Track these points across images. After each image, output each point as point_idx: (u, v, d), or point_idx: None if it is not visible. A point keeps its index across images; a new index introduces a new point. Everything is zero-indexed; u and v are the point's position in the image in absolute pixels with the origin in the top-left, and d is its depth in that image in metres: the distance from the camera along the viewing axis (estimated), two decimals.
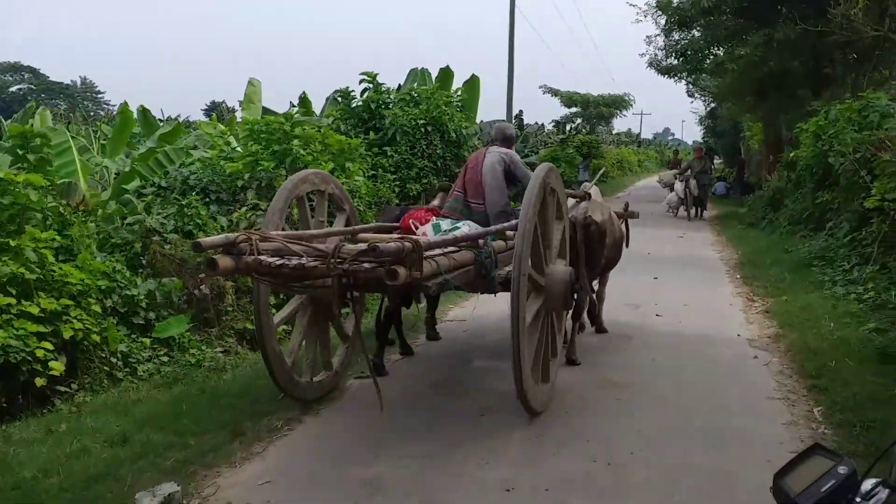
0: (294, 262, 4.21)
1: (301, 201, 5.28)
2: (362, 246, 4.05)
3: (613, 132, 56.78)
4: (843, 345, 6.40)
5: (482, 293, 5.58)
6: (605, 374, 5.99)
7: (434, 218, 5.45)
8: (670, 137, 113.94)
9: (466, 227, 5.30)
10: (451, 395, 5.42)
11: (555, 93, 45.04)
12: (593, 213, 6.27)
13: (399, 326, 6.48)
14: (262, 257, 4.29)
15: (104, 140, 17.03)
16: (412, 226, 5.38)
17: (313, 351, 5.35)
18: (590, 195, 6.74)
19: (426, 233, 5.26)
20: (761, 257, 11.62)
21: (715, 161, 28.12)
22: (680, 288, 9.59)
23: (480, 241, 4.91)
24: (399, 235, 4.78)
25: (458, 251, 4.65)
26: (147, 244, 7.46)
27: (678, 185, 19.50)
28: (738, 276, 10.44)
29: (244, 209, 9.26)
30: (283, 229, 4.95)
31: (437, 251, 4.39)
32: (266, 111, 13.77)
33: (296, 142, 10.00)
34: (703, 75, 26.81)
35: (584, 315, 7.02)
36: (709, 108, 41.23)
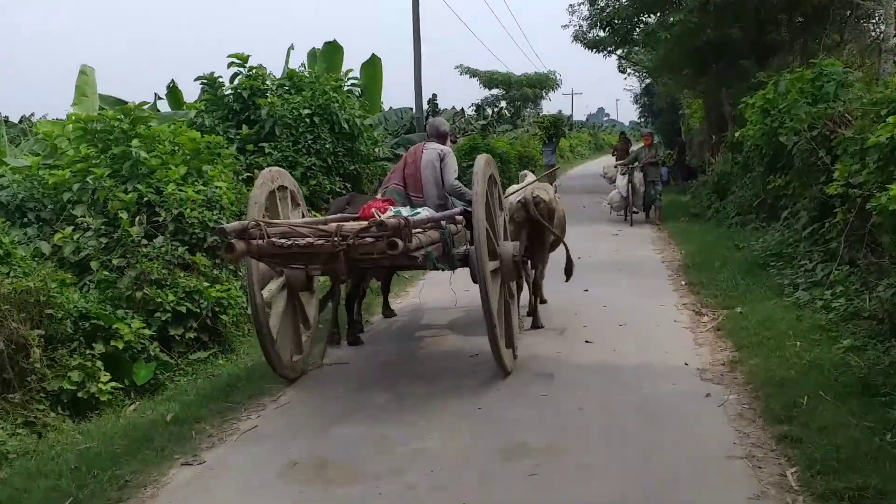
0: (303, 241, 5.60)
1: (273, 195, 6.39)
2: (362, 224, 5.63)
3: (542, 115, 56.78)
4: (814, 370, 5.78)
5: (444, 269, 6.67)
6: (517, 434, 5.09)
7: (391, 208, 6.35)
8: (605, 119, 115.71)
9: (427, 212, 6.61)
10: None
11: (473, 73, 44.60)
12: (540, 193, 7.90)
13: (355, 309, 7.83)
14: (273, 239, 5.65)
15: None
16: (374, 214, 6.00)
17: (289, 334, 6.62)
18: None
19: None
20: (709, 257, 11.21)
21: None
22: (615, 302, 9.07)
23: (443, 223, 6.46)
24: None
25: (429, 230, 6.23)
26: None
27: (620, 181, 16.87)
28: (683, 283, 9.98)
29: (70, 230, 8.07)
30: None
31: (419, 229, 5.93)
32: (118, 103, 12.43)
33: (135, 142, 8.85)
34: (635, 48, 26.55)
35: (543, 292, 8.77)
36: (644, 85, 41.38)
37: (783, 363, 6.04)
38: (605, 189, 21.16)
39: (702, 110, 27.95)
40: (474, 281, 6.35)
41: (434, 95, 31.53)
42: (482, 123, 32.13)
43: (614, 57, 29.06)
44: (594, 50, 24.39)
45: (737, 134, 14.36)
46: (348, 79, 14.83)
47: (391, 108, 22.95)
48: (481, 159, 6.30)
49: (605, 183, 22.34)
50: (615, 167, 18.43)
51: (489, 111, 43.75)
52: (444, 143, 7.59)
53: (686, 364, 6.50)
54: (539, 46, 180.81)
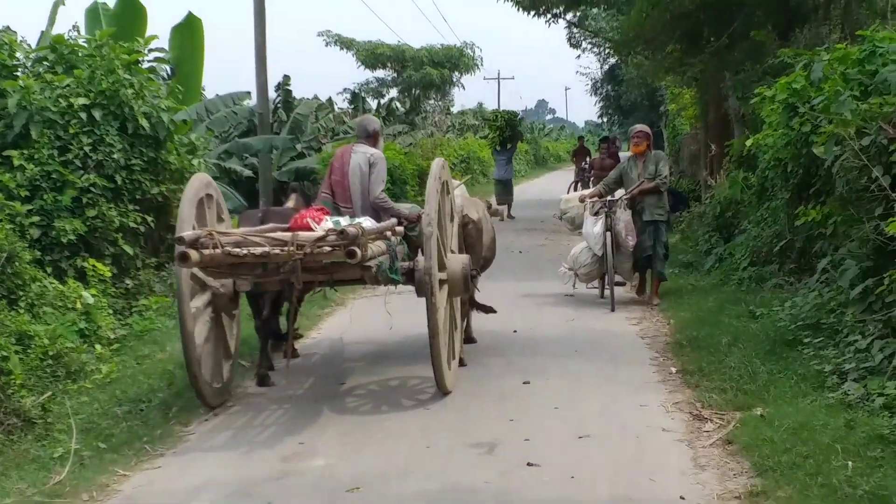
0: (259, 250, 8.11)
1: (201, 203, 9.02)
2: (318, 234, 8.22)
3: (452, 109, 57.33)
4: None
5: (397, 281, 9.25)
6: None
7: (327, 217, 8.72)
8: (549, 117, 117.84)
9: (369, 223, 8.94)
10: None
11: (346, 44, 44.88)
12: (469, 211, 10.39)
13: (269, 336, 10.54)
14: (227, 248, 8.11)
15: None
16: (310, 225, 8.45)
17: (212, 360, 9.32)
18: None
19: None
20: (711, 330, 11.40)
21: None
22: (570, 401, 9.19)
23: (387, 234, 9.11)
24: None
25: (376, 241, 8.74)
26: None
27: (591, 226, 14.41)
28: (674, 371, 10.15)
29: None
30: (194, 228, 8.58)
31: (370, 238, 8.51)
32: None
33: None
34: (593, 10, 27.06)
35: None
36: (606, 67, 42.32)
37: (830, 497, 6.13)
38: (553, 226, 21.34)
39: (694, 106, 28.68)
40: (419, 295, 9.04)
41: (286, 78, 31.34)
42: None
43: (562, 24, 29.59)
44: (532, 12, 24.83)
45: (748, 142, 14.70)
46: (150, 51, 14.69)
47: (217, 95, 22.84)
48: (436, 163, 9.35)
49: (558, 221, 19.40)
50: (581, 201, 15.06)
51: (372, 102, 43.94)
52: (374, 145, 10.17)
53: (682, 499, 6.59)
54: (449, 7, 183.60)
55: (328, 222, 8.53)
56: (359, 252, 7.91)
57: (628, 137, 15.74)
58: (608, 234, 13.98)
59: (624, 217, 14.03)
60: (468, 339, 11.52)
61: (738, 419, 8.08)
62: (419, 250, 9.45)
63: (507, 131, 32.02)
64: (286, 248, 8.06)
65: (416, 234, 9.73)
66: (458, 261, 9.58)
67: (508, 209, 29.22)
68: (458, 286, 9.53)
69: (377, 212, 9.74)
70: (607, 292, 14.30)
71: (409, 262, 9.40)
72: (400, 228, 9.43)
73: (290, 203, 10.67)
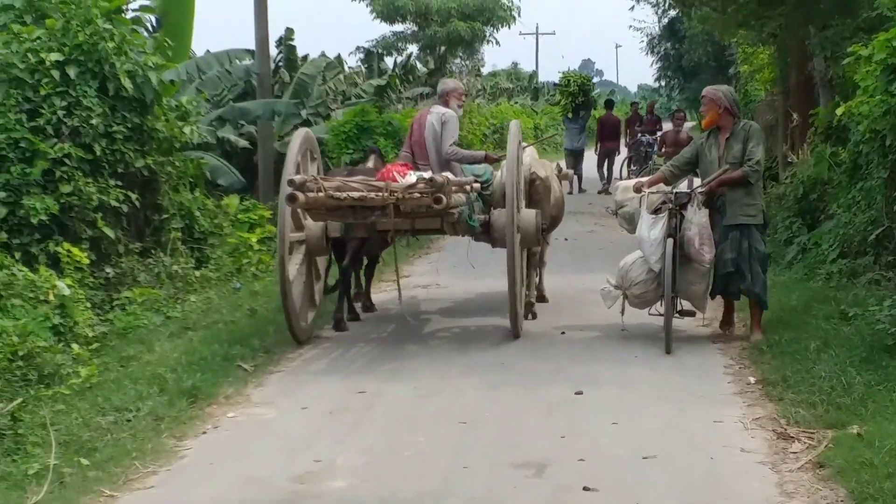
0: (357, 194, 10.82)
1: (305, 155, 12.18)
2: (410, 181, 10.98)
3: (482, 69, 57.09)
4: None
5: (475, 227, 12.28)
6: None
7: (410, 172, 11.35)
8: (596, 79, 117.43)
9: (450, 176, 11.58)
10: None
11: None
12: (537, 169, 13.01)
13: (348, 289, 13.38)
14: (330, 192, 10.84)
15: None
16: (395, 177, 11.05)
17: (306, 299, 12.33)
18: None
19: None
20: (796, 333, 11.39)
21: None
22: (631, 415, 9.20)
23: (467, 188, 11.82)
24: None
25: (456, 193, 11.55)
26: None
27: (647, 228, 11.92)
28: (753, 381, 10.19)
29: None
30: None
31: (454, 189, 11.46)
32: None
33: None
34: None
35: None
36: (665, 21, 42.17)
37: None
38: (604, 209, 21.39)
39: (771, 68, 28.57)
40: (494, 246, 12.68)
41: (289, 31, 31.14)
42: (377, 84, 32.02)
43: None
44: None
45: (838, 111, 14.64)
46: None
47: (208, 51, 22.87)
48: (514, 124, 12.80)
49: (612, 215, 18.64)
50: (636, 191, 12.58)
51: (390, 61, 43.85)
52: (447, 105, 12.78)
53: None
54: None
55: (412, 176, 11.18)
56: (444, 198, 10.74)
57: (700, 103, 13.14)
58: (670, 240, 11.63)
59: (697, 218, 11.62)
60: (540, 297, 14.14)
61: (831, 438, 8.08)
62: (491, 208, 12.55)
63: (580, 97, 33.35)
64: (381, 193, 10.79)
65: (489, 194, 12.64)
66: (529, 214, 12.40)
67: (580, 182, 30.68)
68: (531, 237, 12.37)
69: (451, 169, 12.20)
70: (668, 323, 11.59)
71: (484, 216, 12.33)
72: (477, 185, 12.03)
73: (370, 164, 13.34)
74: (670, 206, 11.62)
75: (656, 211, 11.72)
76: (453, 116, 12.57)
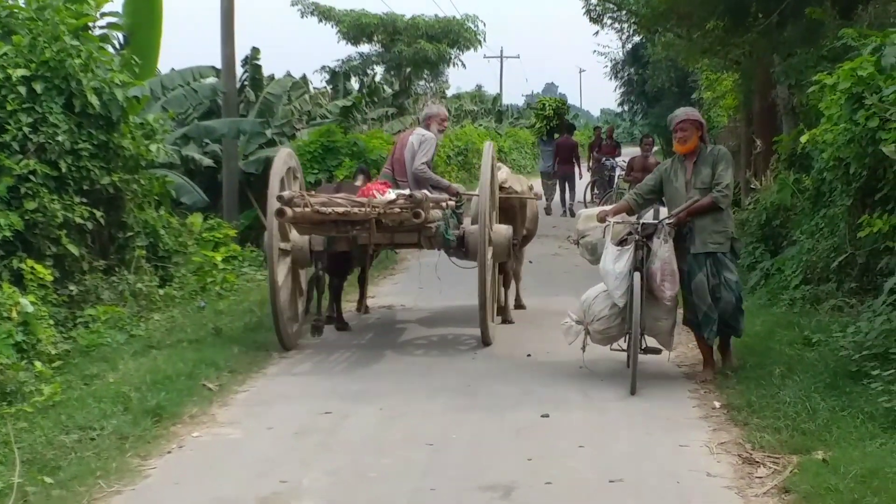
0: (341, 209, 11.88)
1: (289, 171, 13.17)
2: (390, 197, 12.08)
3: (447, 91, 57.13)
4: None
5: (450, 242, 12.99)
6: None
7: (389, 190, 12.31)
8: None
9: (427, 193, 12.65)
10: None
11: (325, 14, 44.80)
12: (513, 183, 14.19)
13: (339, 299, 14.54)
14: (316, 207, 11.88)
15: None
16: (375, 195, 11.99)
17: (293, 308, 13.32)
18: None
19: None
20: (760, 358, 11.50)
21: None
22: (598, 439, 9.25)
23: (443, 205, 12.91)
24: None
25: (433, 209, 12.52)
26: None
27: (611, 261, 11.17)
28: (718, 405, 10.24)
29: None
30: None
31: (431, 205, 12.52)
32: None
33: None
34: None
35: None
36: (629, 47, 42.28)
37: None
38: (568, 231, 21.44)
39: (735, 95, 28.70)
40: (467, 258, 13.38)
41: (255, 51, 31.16)
42: (342, 105, 32.07)
43: None
44: None
45: (803, 139, 14.68)
46: (103, 15, 14.78)
47: (173, 69, 22.84)
48: (488, 146, 13.70)
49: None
50: (600, 220, 11.75)
51: (356, 81, 43.87)
52: (428, 128, 13.89)
53: None
54: None
55: (391, 193, 12.17)
56: (423, 213, 11.75)
57: (670, 130, 11.83)
58: (637, 274, 10.96)
59: (662, 252, 10.97)
60: (518, 305, 15.71)
61: (796, 464, 8.11)
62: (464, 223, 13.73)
63: (553, 120, 34.87)
64: (363, 208, 11.83)
65: (462, 211, 13.87)
66: (502, 230, 13.37)
67: (549, 203, 31.23)
68: (502, 251, 13.32)
69: (422, 185, 13.10)
70: (633, 360, 10.94)
71: (458, 231, 13.15)
72: (452, 202, 13.15)
73: (359, 182, 13.93)
74: (636, 237, 10.99)
75: (621, 242, 11.11)
76: (431, 138, 13.61)
